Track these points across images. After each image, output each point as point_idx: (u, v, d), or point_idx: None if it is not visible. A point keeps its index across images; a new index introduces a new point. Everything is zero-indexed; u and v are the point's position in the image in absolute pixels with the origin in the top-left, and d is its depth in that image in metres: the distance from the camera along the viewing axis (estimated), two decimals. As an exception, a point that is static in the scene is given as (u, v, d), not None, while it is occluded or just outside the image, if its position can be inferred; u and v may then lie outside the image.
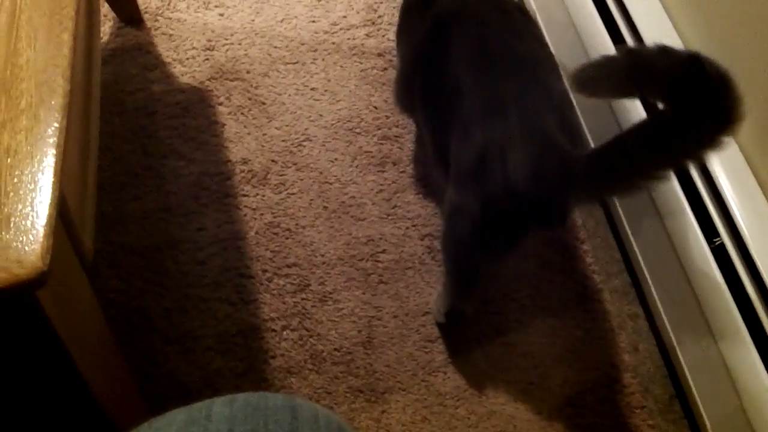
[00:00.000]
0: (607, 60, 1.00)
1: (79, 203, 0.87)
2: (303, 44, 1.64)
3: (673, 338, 1.27)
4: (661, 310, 1.29)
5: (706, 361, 1.19)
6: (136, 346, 1.26)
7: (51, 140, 0.63)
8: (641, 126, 0.98)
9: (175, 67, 1.58)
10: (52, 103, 0.65)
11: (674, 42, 1.26)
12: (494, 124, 1.07)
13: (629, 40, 1.30)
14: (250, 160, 1.47)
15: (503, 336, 1.32)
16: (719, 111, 0.86)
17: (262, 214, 1.41)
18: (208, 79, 1.57)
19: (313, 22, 1.68)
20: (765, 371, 1.07)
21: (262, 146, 1.49)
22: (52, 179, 0.61)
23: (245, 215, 1.41)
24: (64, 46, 0.69)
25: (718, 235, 1.15)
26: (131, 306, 1.29)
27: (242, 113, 1.53)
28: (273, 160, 1.47)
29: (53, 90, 0.66)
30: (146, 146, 1.46)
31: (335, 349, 1.28)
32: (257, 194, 1.43)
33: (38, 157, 0.62)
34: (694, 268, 1.19)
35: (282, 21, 1.67)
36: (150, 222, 1.38)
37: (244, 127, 1.51)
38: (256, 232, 1.39)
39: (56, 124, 0.64)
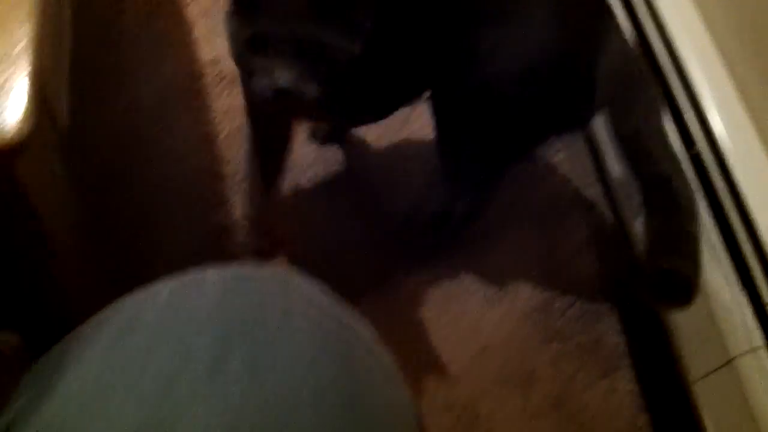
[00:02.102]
0: None
1: (55, 83, 0.84)
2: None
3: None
4: (633, 219, 1.30)
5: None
6: (107, 247, 1.24)
7: (25, 11, 0.60)
8: None
9: (141, -35, 1.52)
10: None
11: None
12: None
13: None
14: (220, 62, 1.43)
15: (474, 245, 1.33)
16: None
17: (233, 117, 1.38)
18: (178, -22, 1.52)
19: None
20: (740, 284, 1.09)
21: (234, 47, 1.45)
22: (31, 48, 0.59)
23: (215, 118, 1.38)
24: None
25: (694, 144, 1.16)
26: (103, 203, 1.26)
27: (212, 13, 1.48)
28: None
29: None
30: (115, 48, 1.42)
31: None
32: (228, 96, 1.40)
33: (14, 22, 0.59)
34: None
35: None
36: (121, 123, 1.35)
37: (215, 27, 1.47)
38: (227, 135, 1.37)
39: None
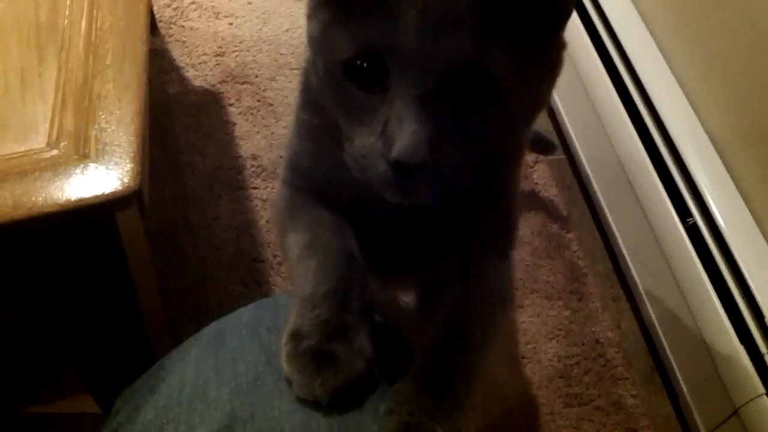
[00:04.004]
0: None
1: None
2: (307, 53, 1.76)
3: (653, 316, 1.38)
4: (642, 291, 1.40)
5: (684, 335, 1.29)
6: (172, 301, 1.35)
7: (135, 87, 0.74)
8: None
9: (188, 71, 1.69)
10: (134, 59, 0.76)
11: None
12: None
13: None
14: (259, 156, 1.57)
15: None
16: None
17: (271, 206, 1.51)
18: (220, 82, 1.68)
19: (316, 33, 1.81)
20: (737, 339, 1.18)
21: (271, 144, 1.60)
22: (139, 118, 0.72)
23: (256, 206, 1.51)
24: (141, 15, 0.81)
25: (691, 215, 1.28)
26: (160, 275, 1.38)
27: (251, 113, 1.64)
28: (281, 156, 1.57)
29: (134, 49, 0.77)
30: (164, 141, 1.57)
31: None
32: (267, 187, 1.54)
33: (125, 100, 0.72)
34: (670, 247, 1.31)
35: (287, 30, 1.80)
36: (169, 210, 1.48)
37: (254, 126, 1.62)
38: (267, 221, 1.49)
39: (138, 75, 0.75)
